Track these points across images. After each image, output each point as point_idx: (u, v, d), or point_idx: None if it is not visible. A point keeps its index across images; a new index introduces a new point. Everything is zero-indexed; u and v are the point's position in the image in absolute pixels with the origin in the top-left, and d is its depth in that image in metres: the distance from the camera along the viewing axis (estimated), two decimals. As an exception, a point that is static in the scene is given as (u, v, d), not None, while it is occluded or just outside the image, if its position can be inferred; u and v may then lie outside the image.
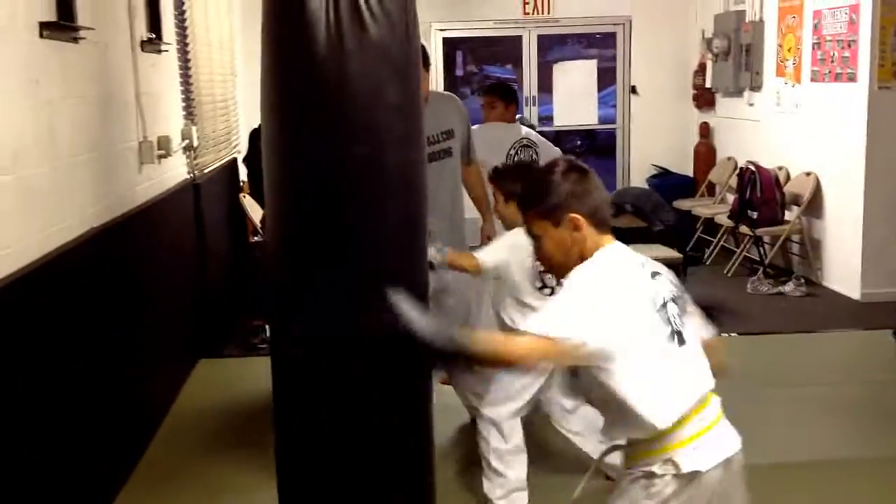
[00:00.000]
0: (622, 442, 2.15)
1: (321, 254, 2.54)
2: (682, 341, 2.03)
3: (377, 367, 2.57)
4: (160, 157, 4.46)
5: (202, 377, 4.94)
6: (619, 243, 2.15)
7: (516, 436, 3.43)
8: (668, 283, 2.09)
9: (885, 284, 5.99)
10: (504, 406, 3.42)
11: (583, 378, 2.08)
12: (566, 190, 2.11)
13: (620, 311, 1.98)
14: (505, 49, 11.28)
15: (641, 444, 2.05)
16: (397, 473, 2.73)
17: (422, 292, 2.68)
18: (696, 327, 2.12)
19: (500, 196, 3.49)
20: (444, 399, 4.36)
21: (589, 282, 2.03)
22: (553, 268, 2.21)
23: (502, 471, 3.41)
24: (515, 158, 5.01)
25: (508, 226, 3.50)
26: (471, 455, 3.97)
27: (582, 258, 2.09)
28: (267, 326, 5.20)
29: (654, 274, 2.08)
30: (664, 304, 2.03)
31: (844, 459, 3.81)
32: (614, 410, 2.05)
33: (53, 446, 3.00)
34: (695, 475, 1.98)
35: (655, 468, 2.00)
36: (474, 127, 4.70)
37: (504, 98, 5.13)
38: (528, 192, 2.23)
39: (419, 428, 2.80)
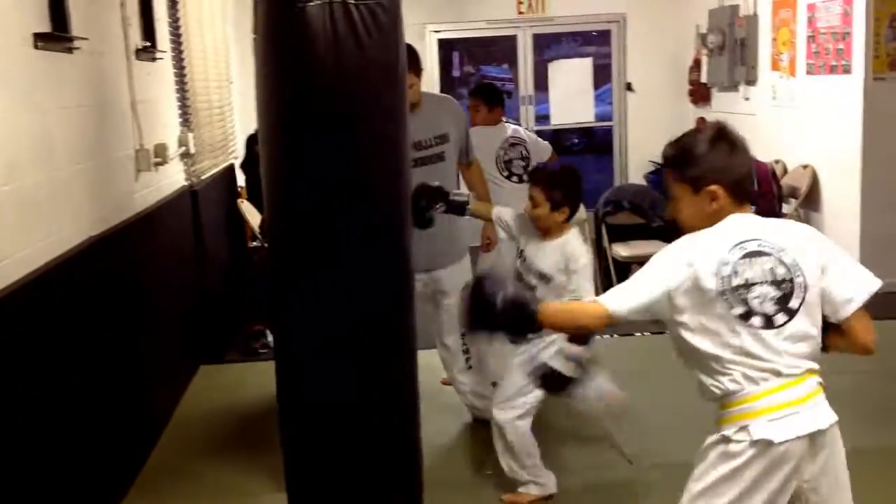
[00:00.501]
0: None
1: (317, 254, 2.57)
2: (767, 324, 2.06)
3: (371, 365, 2.60)
4: (157, 164, 4.47)
5: (203, 383, 4.95)
6: (748, 216, 2.19)
7: (522, 437, 3.41)
8: (773, 264, 2.08)
9: (883, 275, 5.97)
10: (508, 410, 3.39)
11: (670, 332, 2.18)
12: (713, 161, 2.15)
13: (674, 284, 2.09)
14: (500, 49, 11.30)
15: (720, 408, 2.11)
16: (394, 471, 2.76)
17: (408, 291, 2.70)
18: (816, 310, 2.11)
19: (546, 202, 3.29)
20: (444, 399, 4.38)
21: (668, 257, 2.14)
22: (680, 226, 2.24)
23: (514, 467, 3.44)
24: (505, 157, 5.09)
25: (541, 231, 3.39)
26: (469, 453, 3.99)
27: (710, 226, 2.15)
28: (267, 331, 5.22)
29: (753, 254, 2.08)
30: (746, 285, 2.06)
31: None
32: (694, 366, 2.15)
33: (57, 453, 3.01)
34: (769, 445, 2.01)
35: (730, 433, 2.06)
36: None
37: (486, 101, 5.12)
38: (675, 153, 2.23)
39: (410, 426, 2.83)
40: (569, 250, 3.28)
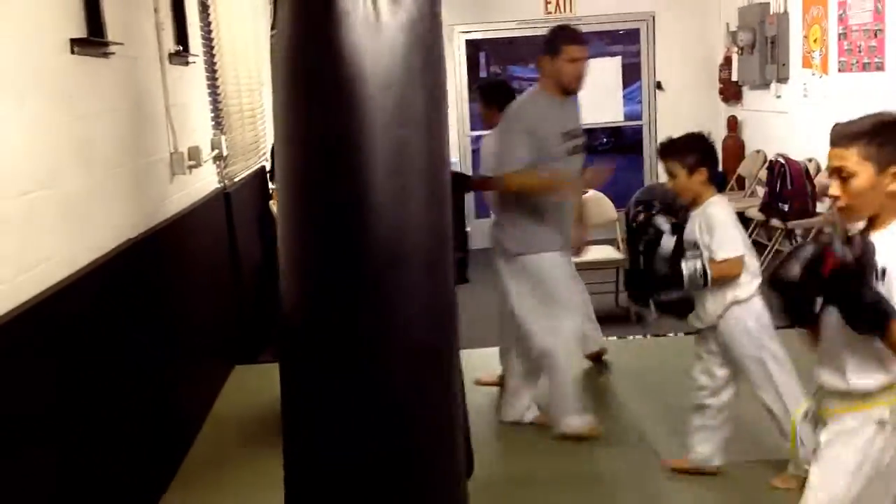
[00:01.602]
0: None
1: (341, 262, 2.44)
2: None
3: (400, 365, 2.46)
4: (191, 167, 4.51)
5: (238, 383, 5.00)
6: None
7: None
8: None
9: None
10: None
11: None
12: None
13: None
14: (528, 49, 11.26)
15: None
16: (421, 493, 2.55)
17: (450, 301, 2.60)
18: None
19: (682, 170, 3.40)
20: (477, 399, 4.39)
21: None
22: (848, 209, 2.19)
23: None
24: None
25: (691, 200, 3.44)
26: (505, 453, 4.00)
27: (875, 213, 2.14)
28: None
29: None
30: None
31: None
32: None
33: (101, 449, 3.06)
34: None
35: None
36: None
37: (484, 100, 4.92)
38: (874, 128, 2.20)
39: (446, 440, 2.60)
40: (707, 212, 3.38)
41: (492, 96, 4.89)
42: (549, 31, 4.13)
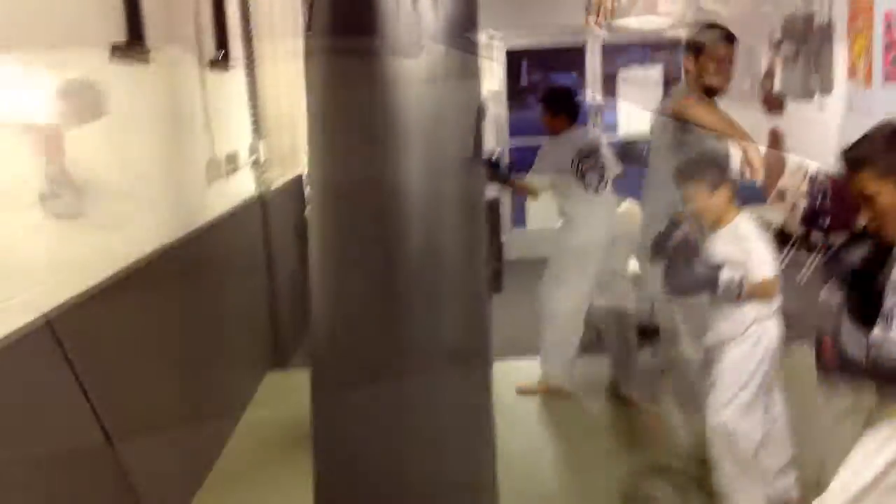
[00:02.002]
0: None
1: (373, 241, 2.40)
2: None
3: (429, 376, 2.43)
4: (229, 173, 4.53)
5: (270, 389, 5.01)
6: None
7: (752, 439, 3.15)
8: None
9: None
10: (729, 408, 3.13)
11: None
12: None
13: None
14: (569, 57, 11.23)
15: None
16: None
17: (482, 288, 2.57)
18: None
19: (704, 187, 3.17)
20: (519, 413, 4.35)
21: None
22: (879, 230, 2.24)
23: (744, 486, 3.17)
24: (579, 170, 4.63)
25: (710, 224, 3.23)
26: (544, 470, 3.96)
27: None
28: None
29: None
30: None
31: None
32: None
33: (131, 454, 3.07)
34: None
35: None
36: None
37: (549, 107, 4.71)
38: (878, 147, 2.24)
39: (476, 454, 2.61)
40: (741, 231, 3.17)
41: (559, 104, 4.72)
42: (693, 28, 3.97)
